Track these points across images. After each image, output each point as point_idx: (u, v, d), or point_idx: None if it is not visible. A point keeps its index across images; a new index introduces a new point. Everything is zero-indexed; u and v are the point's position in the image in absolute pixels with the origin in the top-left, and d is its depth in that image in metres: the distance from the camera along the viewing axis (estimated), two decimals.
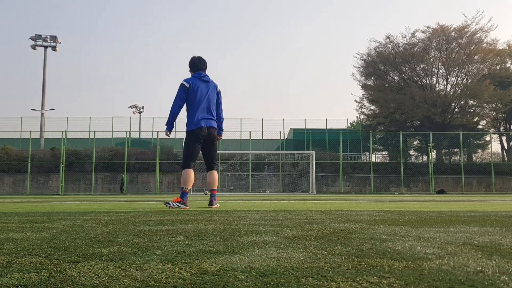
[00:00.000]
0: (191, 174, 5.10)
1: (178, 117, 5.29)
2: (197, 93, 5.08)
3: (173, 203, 4.93)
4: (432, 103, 31.70)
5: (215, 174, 5.36)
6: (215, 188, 5.33)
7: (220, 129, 5.38)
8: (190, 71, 5.33)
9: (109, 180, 25.03)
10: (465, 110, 33.54)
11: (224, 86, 72.83)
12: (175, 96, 5.11)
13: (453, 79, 33.40)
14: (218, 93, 5.31)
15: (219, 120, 5.35)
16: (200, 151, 5.28)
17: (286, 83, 76.08)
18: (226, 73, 77.70)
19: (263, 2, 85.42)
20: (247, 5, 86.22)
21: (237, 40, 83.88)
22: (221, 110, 5.37)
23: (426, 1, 70.91)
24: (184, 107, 5.18)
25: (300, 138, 29.41)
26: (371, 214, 3.76)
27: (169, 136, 5.41)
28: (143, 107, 38.78)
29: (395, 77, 35.22)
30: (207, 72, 5.33)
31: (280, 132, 28.32)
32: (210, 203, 5.22)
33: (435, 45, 33.20)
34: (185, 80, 5.16)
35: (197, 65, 5.26)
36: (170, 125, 5.22)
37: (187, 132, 5.14)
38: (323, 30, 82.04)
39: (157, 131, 27.21)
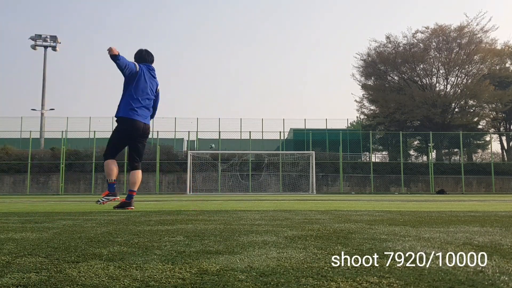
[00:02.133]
0: (114, 165, 4.92)
1: (156, 116, 5.25)
2: (142, 83, 4.88)
3: (103, 198, 4.91)
4: (432, 103, 31.70)
5: (140, 174, 5.06)
6: (136, 189, 5.02)
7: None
8: (136, 61, 5.06)
9: None
10: (465, 110, 33.53)
11: (224, 85, 72.83)
12: (125, 61, 4.74)
13: (453, 79, 33.40)
14: (158, 93, 5.14)
15: (153, 116, 5.21)
16: (127, 146, 5.09)
17: (286, 83, 76.09)
18: (223, 71, 77.72)
19: (262, 4, 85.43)
20: (246, 8, 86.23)
21: (237, 41, 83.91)
22: (156, 109, 5.21)
23: (426, 1, 70.88)
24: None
25: (300, 138, 29.41)
26: (371, 214, 3.76)
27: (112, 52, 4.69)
28: None
29: (395, 77, 35.20)
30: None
31: (280, 132, 28.33)
32: (125, 206, 4.85)
33: (435, 45, 33.20)
34: (138, 63, 4.95)
35: (144, 57, 5.06)
36: (120, 58, 4.71)
37: (120, 117, 4.84)
38: (323, 31, 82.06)
39: (157, 131, 27.20)
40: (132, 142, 4.98)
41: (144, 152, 5.16)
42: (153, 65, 5.17)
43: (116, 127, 4.93)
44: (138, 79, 4.86)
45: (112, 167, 4.89)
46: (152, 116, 5.19)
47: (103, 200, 4.91)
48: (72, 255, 1.50)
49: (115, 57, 4.66)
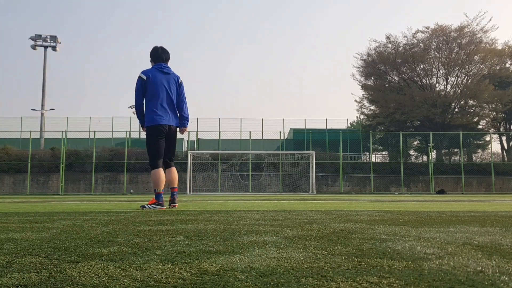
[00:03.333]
0: (161, 173, 4.94)
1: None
2: (156, 86, 4.86)
3: (149, 206, 4.84)
4: (432, 103, 31.70)
5: (175, 171, 5.20)
6: (176, 186, 5.18)
7: (185, 120, 5.16)
8: (151, 61, 5.11)
9: (109, 180, 25.02)
10: (465, 110, 33.55)
11: (224, 85, 72.75)
12: (134, 91, 4.93)
13: (453, 79, 33.42)
14: (180, 84, 5.08)
15: (184, 112, 5.13)
16: None
17: (286, 83, 76.13)
18: (223, 71, 77.73)
19: (262, 4, 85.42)
20: (247, 8, 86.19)
21: (237, 41, 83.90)
22: (184, 102, 5.13)
23: (426, 1, 70.88)
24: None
25: (300, 138, 29.41)
26: (371, 214, 3.76)
27: (144, 131, 5.08)
28: None
29: (395, 77, 35.21)
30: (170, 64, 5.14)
31: (280, 132, 28.34)
32: (172, 202, 5.10)
33: (435, 45, 33.20)
34: (142, 72, 4.92)
35: (160, 55, 5.02)
36: (141, 121, 5.02)
37: (147, 127, 4.96)
38: (323, 31, 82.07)
39: None
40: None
41: (175, 150, 5.23)
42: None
43: (147, 136, 5.03)
44: (151, 85, 4.87)
45: (160, 176, 4.92)
46: (184, 114, 5.13)
47: (149, 207, 4.81)
48: (72, 255, 1.50)
49: (144, 124, 5.03)
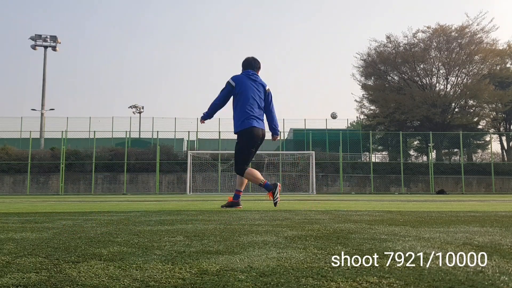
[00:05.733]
0: (253, 170, 4.99)
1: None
2: (248, 93, 4.90)
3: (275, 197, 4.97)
4: (432, 103, 31.69)
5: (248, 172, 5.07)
6: (242, 189, 5.21)
7: (277, 128, 5.33)
8: (242, 70, 5.22)
9: (109, 180, 25.01)
10: (465, 110, 33.53)
11: (223, 85, 72.70)
12: (220, 91, 5.00)
13: (453, 79, 33.40)
14: (267, 94, 5.10)
15: (275, 121, 5.25)
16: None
17: (286, 83, 76.13)
18: (224, 72, 77.75)
19: (262, 3, 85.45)
20: (246, 8, 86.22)
21: (235, 38, 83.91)
22: (274, 110, 5.23)
23: (427, 1, 70.89)
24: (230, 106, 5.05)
25: (300, 138, 29.40)
26: (371, 214, 3.76)
27: (203, 123, 5.16)
28: (143, 107, 38.76)
29: (395, 77, 35.19)
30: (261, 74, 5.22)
31: (280, 132, 28.31)
32: (233, 205, 5.10)
33: (435, 45, 33.18)
34: (232, 78, 4.98)
35: (250, 63, 5.14)
36: (206, 116, 5.05)
37: (239, 131, 4.93)
38: (323, 30, 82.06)
39: (157, 131, 27.19)
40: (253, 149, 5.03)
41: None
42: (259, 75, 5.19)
43: (239, 141, 4.98)
44: (242, 92, 4.91)
45: (254, 172, 4.98)
46: (273, 121, 5.24)
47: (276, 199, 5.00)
48: (72, 255, 1.50)
49: (206, 118, 5.05)
